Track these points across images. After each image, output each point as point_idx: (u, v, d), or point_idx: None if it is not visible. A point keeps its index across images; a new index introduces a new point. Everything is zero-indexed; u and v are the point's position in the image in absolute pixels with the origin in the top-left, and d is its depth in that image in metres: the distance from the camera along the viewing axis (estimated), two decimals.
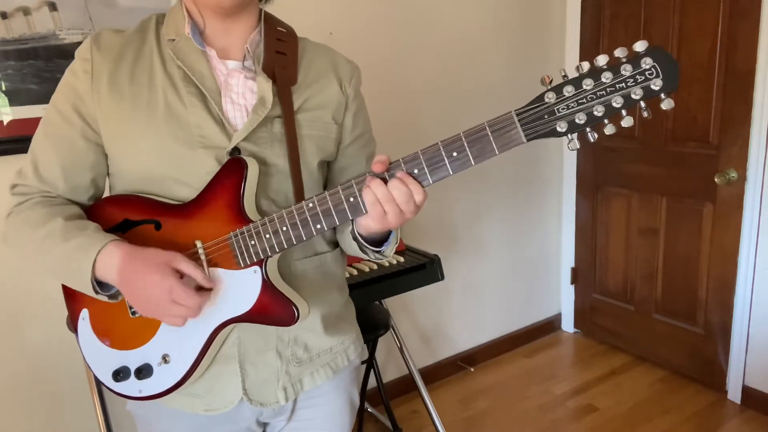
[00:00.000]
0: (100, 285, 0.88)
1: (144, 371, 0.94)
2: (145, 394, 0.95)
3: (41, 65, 1.65)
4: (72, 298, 0.98)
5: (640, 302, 2.80)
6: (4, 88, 1.61)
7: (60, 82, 0.93)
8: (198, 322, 0.90)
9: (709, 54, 2.31)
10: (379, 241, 0.93)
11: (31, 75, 1.64)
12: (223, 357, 0.95)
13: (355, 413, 1.13)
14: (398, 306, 2.53)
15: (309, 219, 0.84)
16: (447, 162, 0.78)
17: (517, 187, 2.85)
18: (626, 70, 0.70)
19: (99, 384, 1.72)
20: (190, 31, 0.90)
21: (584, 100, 0.72)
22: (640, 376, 2.71)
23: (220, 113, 0.90)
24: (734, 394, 2.45)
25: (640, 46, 0.70)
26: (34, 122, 1.63)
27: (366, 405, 2.40)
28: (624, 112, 0.72)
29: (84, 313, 0.97)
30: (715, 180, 2.33)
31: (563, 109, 0.73)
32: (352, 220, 0.88)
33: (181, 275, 0.84)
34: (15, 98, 1.63)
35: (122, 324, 0.95)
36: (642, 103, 0.71)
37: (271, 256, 0.87)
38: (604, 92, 0.71)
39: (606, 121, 0.73)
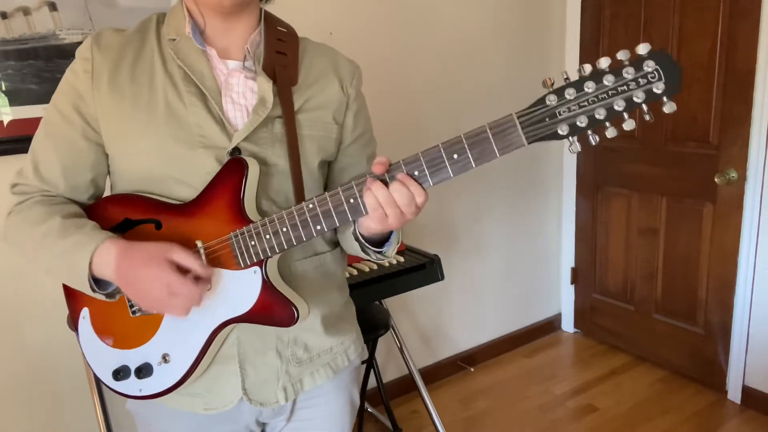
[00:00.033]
0: (98, 283, 0.89)
1: (144, 370, 0.94)
2: (145, 394, 0.95)
3: (41, 65, 1.65)
4: (72, 296, 0.98)
5: (640, 302, 2.80)
6: (4, 88, 1.61)
7: (60, 82, 0.93)
8: (198, 322, 0.90)
9: (709, 54, 2.31)
10: (380, 241, 0.93)
11: (31, 75, 1.64)
12: (223, 357, 0.95)
13: (355, 413, 1.13)
14: (398, 306, 2.53)
15: (309, 220, 0.84)
16: (447, 164, 0.77)
17: (517, 186, 2.85)
18: (628, 73, 0.70)
19: (99, 384, 1.72)
20: (190, 31, 0.90)
21: (586, 103, 0.72)
22: (640, 376, 2.71)
23: (221, 113, 0.90)
24: (734, 394, 2.45)
25: (642, 49, 0.69)
26: (34, 122, 1.63)
27: (366, 405, 2.40)
28: (626, 115, 0.71)
29: (84, 312, 0.97)
30: (715, 180, 2.33)
31: (564, 111, 0.73)
32: (354, 221, 0.88)
33: (178, 266, 0.84)
34: (15, 98, 1.63)
35: (122, 323, 0.95)
36: (644, 107, 0.71)
37: (271, 257, 0.87)
38: (605, 95, 0.71)
39: (607, 124, 0.72)
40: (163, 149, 0.89)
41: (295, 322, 0.88)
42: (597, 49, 2.74)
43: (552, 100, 0.73)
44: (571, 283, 3.13)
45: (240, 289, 0.88)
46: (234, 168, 0.86)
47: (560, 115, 0.73)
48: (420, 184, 0.79)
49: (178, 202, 0.90)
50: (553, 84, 0.73)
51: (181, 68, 0.90)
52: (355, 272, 1.84)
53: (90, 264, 0.85)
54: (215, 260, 0.88)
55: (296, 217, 0.84)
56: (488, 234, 2.80)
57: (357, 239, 0.92)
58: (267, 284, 0.87)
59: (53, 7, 1.64)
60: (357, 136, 1.04)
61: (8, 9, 1.59)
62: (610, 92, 0.71)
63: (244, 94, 0.92)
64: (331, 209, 0.83)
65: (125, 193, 0.93)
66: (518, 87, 2.73)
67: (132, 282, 0.84)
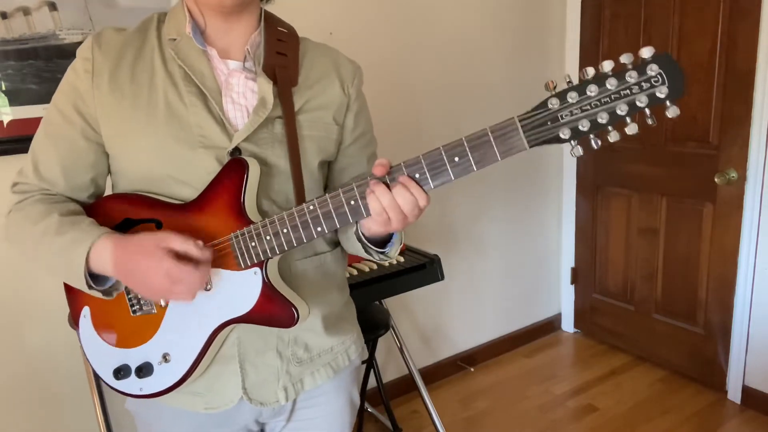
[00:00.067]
0: (96, 279, 0.89)
1: (144, 370, 0.94)
2: (146, 393, 0.95)
3: (41, 65, 1.65)
4: (73, 295, 0.98)
5: (640, 302, 2.80)
6: (4, 88, 1.61)
7: (61, 81, 0.93)
8: (198, 322, 0.91)
9: (709, 54, 2.31)
10: (382, 241, 0.93)
11: (31, 75, 1.64)
12: (223, 357, 0.95)
13: (355, 413, 1.13)
14: (398, 306, 2.53)
15: (310, 221, 0.84)
16: (449, 167, 0.77)
17: (517, 186, 2.85)
18: (631, 76, 0.69)
19: (99, 384, 1.72)
20: (191, 31, 0.90)
21: (588, 107, 0.71)
22: (640, 376, 2.71)
23: (221, 113, 0.90)
24: (734, 394, 2.45)
25: (646, 52, 0.69)
26: (34, 122, 1.63)
27: (366, 405, 2.40)
28: (628, 119, 0.71)
29: (85, 311, 0.97)
30: (715, 180, 2.33)
31: (567, 115, 0.72)
32: (354, 223, 0.88)
33: (176, 253, 0.83)
34: (15, 98, 1.63)
35: (123, 322, 0.95)
36: (647, 111, 0.70)
37: (271, 258, 0.87)
38: (608, 99, 0.70)
39: (610, 128, 0.72)
40: (163, 149, 0.89)
41: (296, 323, 0.88)
42: (597, 49, 2.74)
43: (554, 103, 0.72)
44: (571, 283, 3.13)
45: (240, 289, 0.88)
46: (235, 168, 0.86)
47: (562, 118, 0.72)
48: (422, 188, 0.79)
49: (178, 202, 0.90)
50: (555, 87, 0.72)
51: (182, 68, 0.90)
52: (355, 272, 1.84)
53: (88, 260, 0.85)
54: (215, 260, 0.88)
55: (297, 218, 0.84)
56: (488, 234, 2.80)
57: (359, 239, 0.92)
58: (267, 285, 0.87)
59: (53, 7, 1.64)
60: (357, 137, 1.04)
61: (8, 9, 1.59)
62: (612, 96, 0.70)
63: (244, 94, 0.92)
64: (332, 211, 0.83)
65: (126, 192, 0.93)
66: (518, 87, 2.73)
67: (132, 275, 0.84)
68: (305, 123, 0.95)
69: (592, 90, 0.71)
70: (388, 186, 0.79)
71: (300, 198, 0.94)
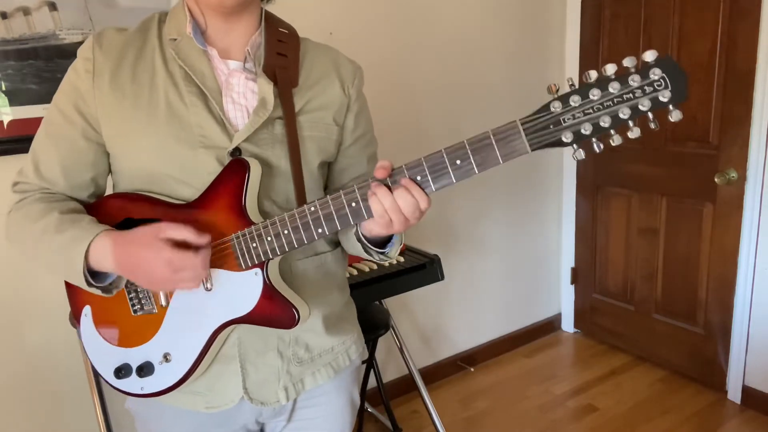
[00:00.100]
0: (97, 276, 0.89)
1: (145, 369, 0.94)
2: (147, 392, 0.95)
3: (41, 65, 1.65)
4: (74, 294, 0.98)
5: (640, 302, 2.80)
6: (4, 88, 1.61)
7: (62, 81, 0.93)
8: (199, 322, 0.91)
9: (709, 54, 2.31)
10: (382, 241, 0.93)
11: (31, 75, 1.64)
12: (224, 357, 0.95)
13: (355, 413, 1.13)
14: (398, 306, 2.53)
15: (311, 222, 0.84)
16: (450, 169, 0.77)
17: (517, 186, 2.85)
18: (634, 80, 0.69)
19: (99, 384, 1.72)
20: (191, 31, 0.90)
21: (591, 111, 0.71)
22: (640, 376, 2.71)
23: (221, 113, 0.90)
24: (734, 394, 2.45)
25: (649, 56, 0.68)
26: (34, 122, 1.64)
27: (366, 405, 2.40)
28: (631, 123, 0.70)
29: (86, 310, 0.98)
30: (715, 180, 2.33)
31: (569, 119, 0.72)
32: (355, 223, 0.88)
33: (174, 242, 0.83)
34: (15, 98, 1.63)
35: (124, 321, 0.95)
36: (650, 115, 0.70)
37: (272, 259, 0.87)
38: (611, 103, 0.70)
39: (612, 132, 0.71)
40: (163, 149, 0.89)
41: (296, 324, 0.88)
42: (597, 49, 2.74)
43: (556, 106, 0.72)
44: (571, 283, 3.13)
45: (241, 290, 0.88)
46: (236, 169, 0.86)
47: (565, 122, 0.72)
48: (423, 190, 0.79)
49: (179, 202, 0.90)
50: (557, 90, 0.72)
51: (182, 68, 0.90)
52: (355, 272, 1.84)
53: (87, 258, 0.85)
54: (216, 261, 0.88)
55: (298, 219, 0.84)
56: (488, 234, 2.80)
57: (359, 240, 0.92)
58: (268, 286, 0.87)
59: (53, 7, 1.64)
60: (357, 137, 1.04)
61: (8, 9, 1.58)
62: (615, 100, 0.70)
63: (244, 95, 0.92)
64: (333, 212, 0.83)
65: (127, 192, 0.93)
66: (518, 87, 2.73)
67: (134, 269, 0.84)
68: (306, 124, 0.95)
69: (595, 93, 0.70)
70: (389, 188, 0.79)
71: (300, 198, 0.94)
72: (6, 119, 1.63)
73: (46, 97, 1.66)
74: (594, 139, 0.73)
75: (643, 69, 0.69)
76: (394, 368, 2.59)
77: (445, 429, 2.13)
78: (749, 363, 2.40)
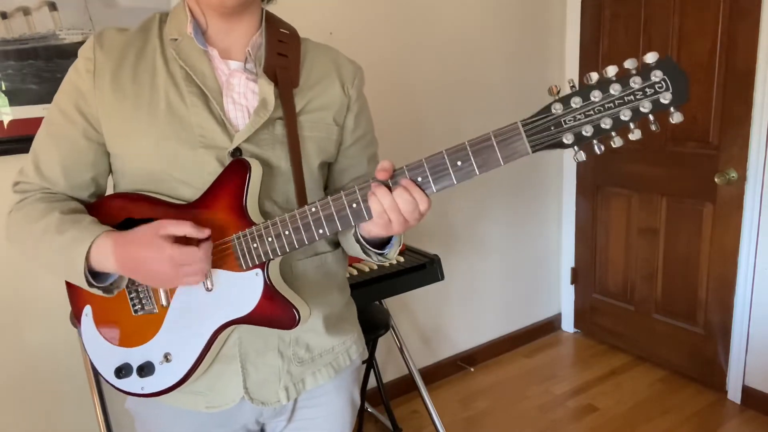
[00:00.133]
0: (97, 276, 0.89)
1: (146, 369, 0.94)
2: (147, 392, 0.95)
3: (41, 65, 1.65)
4: (75, 294, 0.98)
5: (640, 302, 2.80)
6: (4, 88, 1.61)
7: (63, 81, 0.93)
8: (199, 322, 0.91)
9: (709, 54, 2.31)
10: (382, 242, 0.93)
11: (31, 75, 1.64)
12: (225, 357, 0.95)
13: (356, 413, 1.13)
14: (398, 306, 2.53)
15: (311, 223, 0.84)
16: (451, 171, 0.77)
17: (517, 186, 2.85)
18: (635, 82, 0.69)
19: (99, 384, 1.72)
20: (192, 31, 0.90)
21: (592, 113, 0.71)
22: (640, 376, 2.71)
23: (222, 113, 0.90)
24: (734, 394, 2.46)
25: (650, 57, 0.68)
26: (34, 122, 1.64)
27: (366, 405, 2.40)
28: (632, 125, 0.70)
29: (87, 310, 0.98)
30: (715, 180, 2.33)
31: (570, 120, 0.72)
32: (355, 225, 0.88)
33: (175, 238, 0.83)
34: (15, 98, 1.63)
35: (125, 321, 0.95)
36: (650, 117, 0.70)
37: (273, 259, 0.87)
38: (612, 104, 0.70)
39: (613, 133, 0.71)
40: (164, 149, 0.89)
41: (297, 325, 0.88)
42: (597, 50, 2.75)
43: (558, 108, 0.72)
44: (571, 283, 3.13)
45: (241, 290, 0.88)
46: (236, 169, 0.87)
47: (566, 124, 0.72)
48: (423, 191, 0.79)
49: (180, 202, 0.90)
50: (558, 92, 0.72)
51: (183, 68, 0.90)
52: (355, 272, 1.84)
53: (88, 258, 0.86)
54: (217, 261, 0.88)
55: (299, 220, 0.84)
56: (488, 234, 2.80)
57: (358, 241, 0.92)
58: (269, 286, 0.87)
59: (53, 7, 1.64)
60: (357, 138, 1.04)
61: (8, 9, 1.58)
62: (616, 102, 0.70)
63: (245, 95, 0.92)
64: (334, 213, 0.83)
65: (127, 192, 0.93)
66: (518, 87, 2.73)
67: (137, 268, 0.84)
68: (306, 124, 0.95)
69: (596, 95, 0.70)
70: (390, 189, 0.79)
71: (301, 199, 0.94)
72: (6, 119, 1.63)
73: (46, 97, 1.66)
74: (595, 141, 0.73)
75: (644, 71, 0.69)
76: (394, 368, 2.59)
77: (445, 429, 2.14)
78: (749, 363, 2.40)
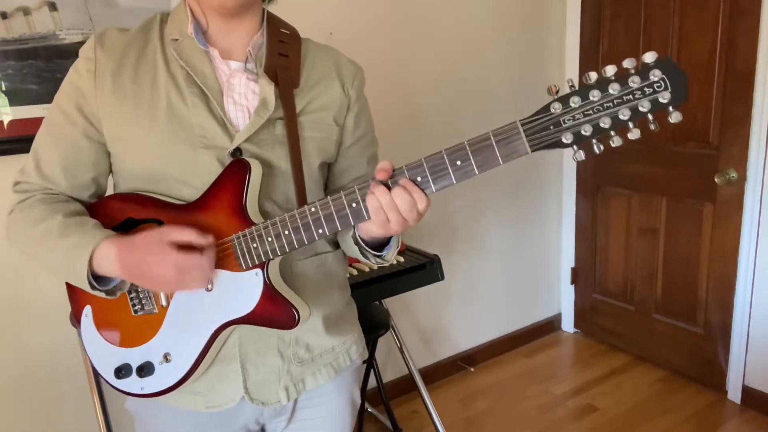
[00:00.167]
0: (100, 280, 0.89)
1: (145, 369, 0.94)
2: (147, 392, 0.95)
3: (41, 65, 1.65)
4: (75, 294, 0.98)
5: (640, 302, 2.80)
6: (4, 88, 1.61)
7: (64, 81, 0.93)
8: (199, 323, 0.91)
9: (709, 54, 2.32)
10: (380, 244, 0.93)
11: (31, 75, 1.64)
12: (224, 357, 0.95)
13: (356, 413, 1.13)
14: (398, 306, 2.53)
15: (311, 223, 0.84)
16: (450, 170, 0.77)
17: (517, 186, 2.85)
18: (634, 81, 0.69)
19: (99, 384, 1.72)
20: (193, 31, 0.90)
21: (591, 112, 0.71)
22: (640, 376, 2.71)
23: (222, 113, 0.90)
24: (734, 394, 2.46)
25: (649, 57, 0.68)
26: (34, 122, 1.64)
27: (366, 405, 2.40)
28: (631, 125, 0.70)
29: (87, 310, 0.98)
30: (715, 180, 2.33)
31: (569, 120, 0.72)
32: (354, 225, 0.88)
33: (179, 245, 0.84)
34: (15, 98, 1.63)
35: (125, 322, 0.95)
36: (649, 116, 0.70)
37: (272, 259, 0.87)
38: (611, 104, 0.70)
39: (612, 133, 0.71)
40: (164, 149, 0.89)
41: (296, 325, 0.88)
42: (597, 50, 2.75)
43: (557, 108, 0.72)
44: (571, 283, 3.13)
45: (241, 290, 0.88)
46: (236, 169, 0.87)
47: (565, 123, 0.72)
48: (422, 190, 0.79)
49: (180, 202, 0.90)
50: (557, 91, 0.72)
51: (184, 69, 0.90)
52: (355, 272, 1.84)
53: (91, 263, 0.86)
54: (217, 261, 0.88)
55: (298, 220, 0.84)
56: (488, 234, 2.80)
57: (356, 242, 0.92)
58: (268, 287, 0.87)
59: (53, 7, 1.64)
60: (358, 138, 1.04)
61: (8, 9, 1.58)
62: (615, 101, 0.70)
63: (245, 95, 0.92)
64: (333, 213, 0.83)
65: (128, 192, 0.93)
66: (518, 87, 2.73)
67: (141, 274, 0.84)
68: (306, 124, 0.95)
69: (595, 95, 0.70)
70: (389, 188, 0.79)
71: (301, 199, 0.94)
72: (6, 119, 1.63)
73: (46, 97, 1.66)
74: (594, 140, 0.73)
75: (643, 70, 0.69)
76: (394, 368, 2.59)
77: (445, 429, 2.14)
78: (749, 363, 2.40)
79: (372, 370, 2.16)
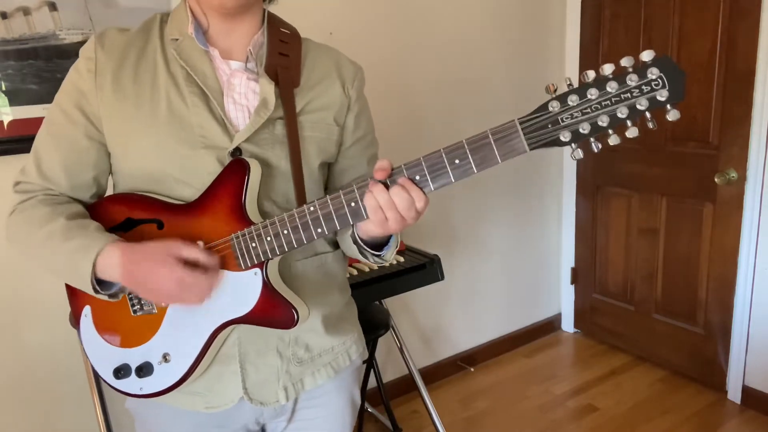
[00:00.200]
0: (102, 284, 0.89)
1: (145, 369, 0.94)
2: (146, 392, 0.95)
3: (41, 65, 1.65)
4: (75, 294, 0.98)
5: (640, 302, 2.80)
6: (4, 88, 1.61)
7: (64, 81, 0.93)
8: (198, 322, 0.91)
9: (709, 54, 2.31)
10: (379, 244, 0.93)
11: (31, 75, 1.64)
12: (224, 357, 0.95)
13: (356, 413, 1.13)
14: (398, 306, 2.53)
15: (310, 222, 0.84)
16: (449, 169, 0.77)
17: (518, 186, 2.85)
18: (632, 80, 0.69)
19: (99, 384, 1.72)
20: (193, 31, 0.90)
21: (589, 110, 0.71)
22: (640, 376, 2.71)
23: (222, 113, 0.90)
24: (734, 394, 2.45)
25: (646, 55, 0.69)
26: (35, 122, 1.64)
27: (366, 405, 2.40)
28: (629, 123, 0.71)
29: (86, 310, 0.98)
30: (715, 180, 2.33)
31: (567, 118, 0.72)
32: (353, 224, 0.88)
33: (184, 261, 0.84)
34: (15, 98, 1.63)
35: (124, 322, 0.95)
36: (647, 114, 0.70)
37: (271, 259, 0.87)
38: (609, 102, 0.70)
39: (610, 131, 0.72)
40: (164, 149, 0.89)
41: (295, 325, 0.88)
42: (597, 49, 2.74)
43: (555, 106, 0.72)
44: (571, 283, 3.13)
45: (240, 290, 0.88)
46: (236, 169, 0.87)
47: (563, 121, 0.72)
48: (421, 189, 0.79)
49: (180, 202, 0.90)
50: (556, 90, 0.72)
51: (184, 68, 0.90)
52: (355, 272, 1.84)
53: (94, 267, 0.86)
54: None
55: (297, 219, 0.84)
56: (488, 234, 2.80)
57: (355, 242, 0.92)
58: (267, 286, 0.87)
59: (53, 7, 1.64)
60: (358, 138, 1.04)
61: (8, 9, 1.59)
62: (613, 99, 0.70)
63: (246, 95, 0.92)
64: (332, 212, 0.83)
65: (127, 192, 0.93)
66: (518, 87, 2.73)
67: (142, 283, 0.84)
68: (306, 124, 0.95)
69: (593, 93, 0.71)
70: (387, 187, 0.79)
71: (300, 199, 0.94)
72: (6, 119, 1.63)
73: (46, 97, 1.66)
74: (592, 139, 0.73)
75: (641, 68, 0.69)
76: (394, 368, 2.59)
77: (445, 429, 2.13)
78: (749, 363, 2.40)
79: (372, 370, 2.16)
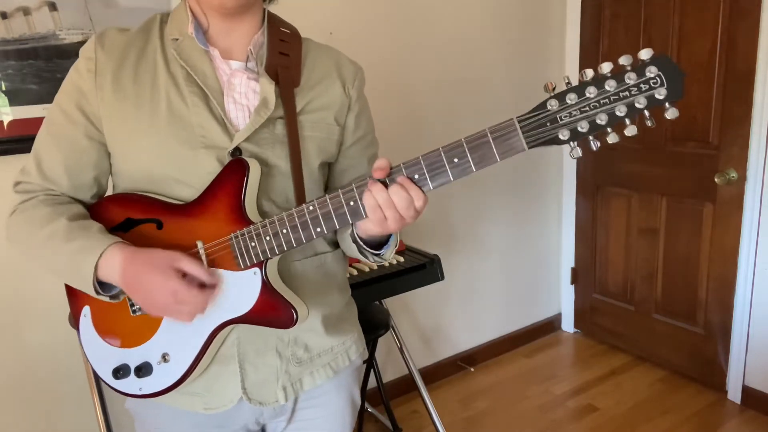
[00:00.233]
0: (102, 285, 0.89)
1: (144, 369, 0.94)
2: (145, 392, 0.95)
3: (41, 65, 1.65)
4: (74, 295, 0.98)
5: (640, 302, 2.80)
6: (4, 88, 1.61)
7: (64, 81, 0.93)
8: (197, 322, 0.90)
9: (709, 54, 2.31)
10: (378, 243, 0.93)
11: (31, 75, 1.64)
12: (223, 357, 0.95)
13: (356, 413, 1.13)
14: (398, 306, 2.53)
15: (309, 222, 0.84)
16: (448, 168, 0.77)
17: (517, 186, 2.85)
18: (630, 78, 0.69)
19: (99, 384, 1.72)
20: (193, 31, 0.90)
21: (587, 108, 0.71)
22: (640, 376, 2.71)
23: (222, 113, 0.90)
24: (734, 394, 2.45)
25: (645, 54, 0.69)
26: (35, 122, 1.64)
27: (366, 405, 2.40)
28: (627, 121, 0.71)
29: (86, 311, 0.98)
30: (715, 180, 2.33)
31: (565, 116, 0.72)
32: (353, 224, 0.88)
33: (184, 274, 0.84)
34: (15, 98, 1.63)
35: (123, 322, 0.95)
36: (646, 112, 0.70)
37: (271, 258, 0.87)
38: (607, 100, 0.71)
39: (609, 129, 0.72)
40: (164, 149, 0.89)
41: (294, 324, 0.88)
42: (597, 49, 2.74)
43: (553, 104, 0.72)
44: (571, 283, 3.13)
45: (240, 290, 0.88)
46: (235, 169, 0.87)
47: (561, 120, 0.72)
48: (420, 188, 0.79)
49: (179, 202, 0.90)
50: (554, 88, 0.72)
51: (184, 68, 0.90)
52: (355, 272, 1.84)
53: (96, 269, 0.86)
54: (215, 261, 0.88)
55: (296, 218, 0.84)
56: (488, 234, 2.80)
57: (355, 241, 0.92)
58: (267, 286, 0.87)
59: (53, 7, 1.64)
60: (358, 138, 1.04)
61: (8, 9, 1.59)
62: (611, 98, 0.70)
63: (246, 95, 0.92)
64: (331, 211, 0.83)
65: (127, 192, 0.93)
66: (518, 87, 2.73)
67: (138, 288, 0.84)
68: (307, 124, 0.95)
69: (591, 91, 0.71)
70: (386, 186, 0.79)
71: (300, 199, 0.94)
72: (6, 119, 1.63)
73: (46, 97, 1.66)
74: (591, 137, 0.73)
75: (639, 67, 0.70)
76: (394, 368, 2.59)
77: (445, 429, 2.13)
78: (749, 363, 2.40)
79: (372, 370, 2.16)
